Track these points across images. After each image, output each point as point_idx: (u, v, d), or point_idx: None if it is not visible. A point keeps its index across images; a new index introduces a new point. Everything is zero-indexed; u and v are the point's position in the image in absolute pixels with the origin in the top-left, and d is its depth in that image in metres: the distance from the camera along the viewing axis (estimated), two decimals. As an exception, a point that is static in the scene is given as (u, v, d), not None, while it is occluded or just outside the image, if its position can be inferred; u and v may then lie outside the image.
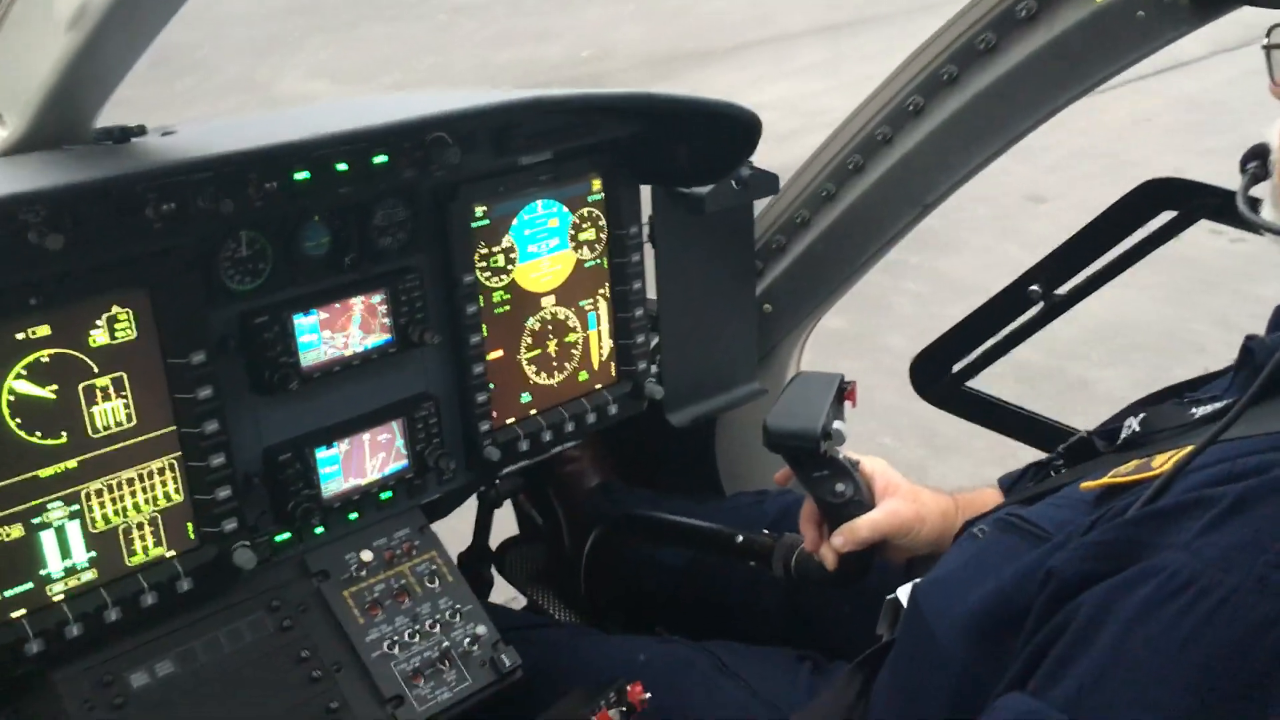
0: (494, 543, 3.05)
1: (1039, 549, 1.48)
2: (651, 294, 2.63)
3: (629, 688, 2.02)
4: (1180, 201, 2.40)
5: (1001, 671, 1.36)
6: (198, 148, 1.88)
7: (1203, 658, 1.14)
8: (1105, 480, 1.45)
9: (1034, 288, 2.56)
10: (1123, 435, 1.64)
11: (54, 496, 1.85)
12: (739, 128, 2.40)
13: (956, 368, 2.75)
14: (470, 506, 2.91)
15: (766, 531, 2.38)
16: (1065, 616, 1.27)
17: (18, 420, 1.79)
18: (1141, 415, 1.63)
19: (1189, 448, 1.35)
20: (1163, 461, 1.37)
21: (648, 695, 2.03)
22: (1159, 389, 1.80)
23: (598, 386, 2.60)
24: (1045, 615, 1.32)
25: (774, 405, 2.08)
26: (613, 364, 2.62)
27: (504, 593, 3.32)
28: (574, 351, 2.53)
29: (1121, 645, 1.19)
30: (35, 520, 1.83)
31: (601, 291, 2.55)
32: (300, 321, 2.07)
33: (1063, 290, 2.56)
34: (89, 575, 1.90)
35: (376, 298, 2.16)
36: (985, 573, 1.54)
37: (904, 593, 1.82)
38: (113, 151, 1.85)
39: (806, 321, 2.91)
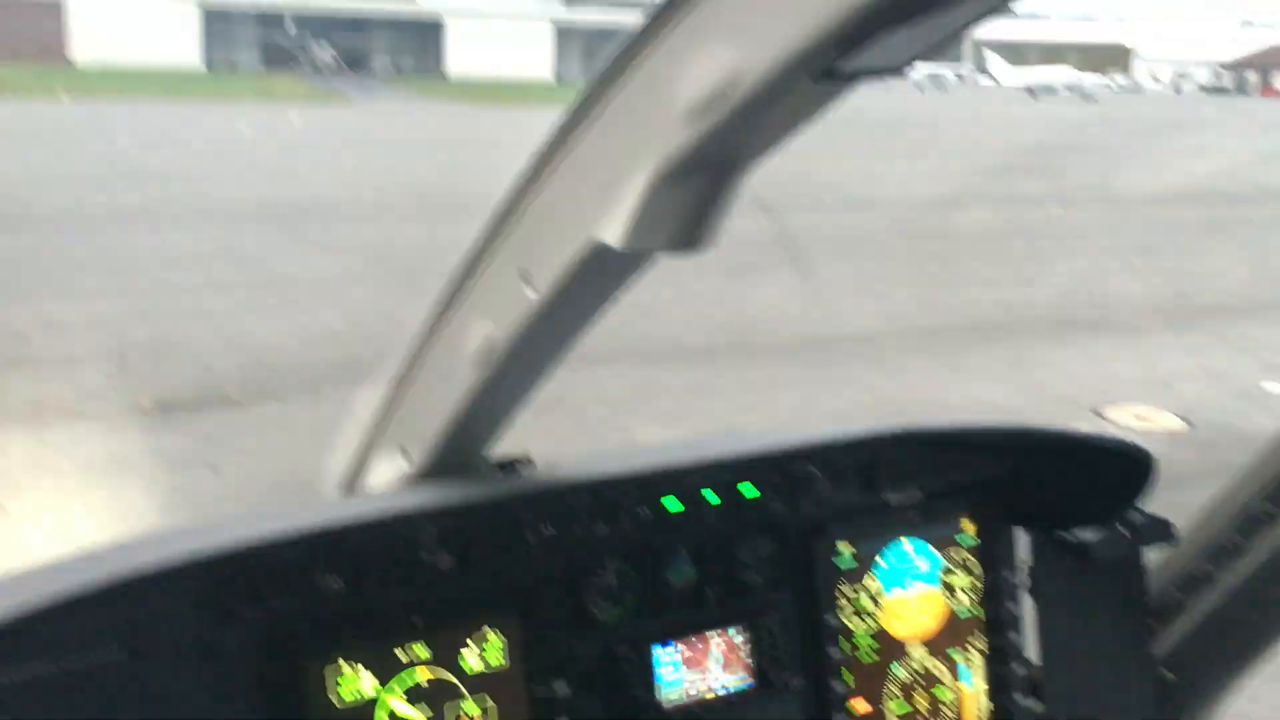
0: None
1: None
2: (1032, 652, 2.40)
3: None
4: None
5: None
6: (578, 474, 1.98)
7: None
8: None
9: None
10: None
11: None
12: (1128, 466, 2.24)
13: None
14: None
15: None
16: None
17: None
18: None
19: None
20: None
21: None
22: None
23: (971, 750, 2.36)
24: None
25: None
26: (988, 725, 2.38)
27: None
28: (945, 710, 2.33)
29: None
30: None
31: (975, 643, 2.36)
32: (660, 653, 2.04)
33: None
34: None
35: (738, 636, 2.11)
36: None
37: None
38: (502, 478, 1.97)
39: (1218, 696, 2.55)
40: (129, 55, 58.35)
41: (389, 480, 1.98)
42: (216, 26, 68.79)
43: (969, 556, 2.36)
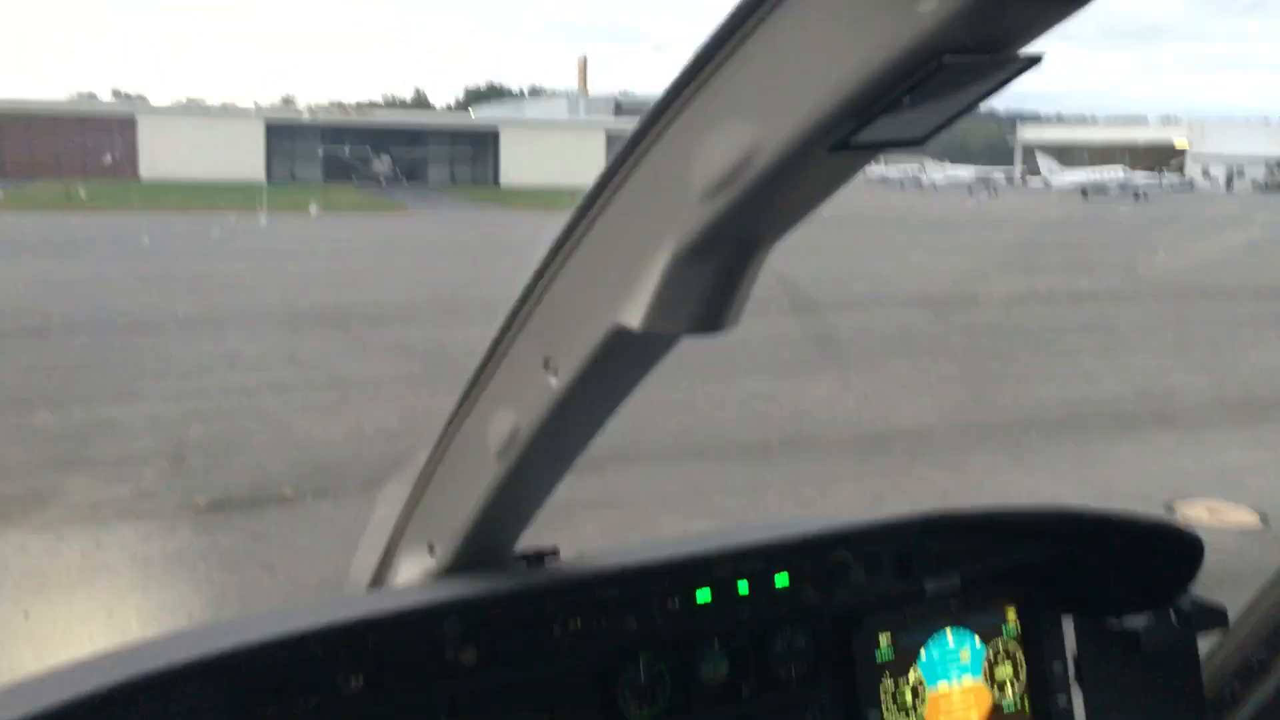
0: None
1: None
2: None
3: None
4: None
5: None
6: (606, 565, 1.96)
7: None
8: None
9: None
10: None
11: None
12: (1177, 551, 2.18)
13: None
14: None
15: None
16: None
17: None
18: None
19: None
20: None
21: None
22: None
23: None
24: None
25: None
26: (1041, 825, 2.28)
27: None
28: (995, 809, 2.24)
29: None
30: None
31: None
32: None
33: None
34: None
35: None
36: None
37: None
38: (528, 572, 1.93)
39: (1278, 788, 2.45)
40: (194, 169, 60.19)
41: (415, 577, 1.96)
42: (279, 141, 70.90)
43: (1014, 646, 2.28)
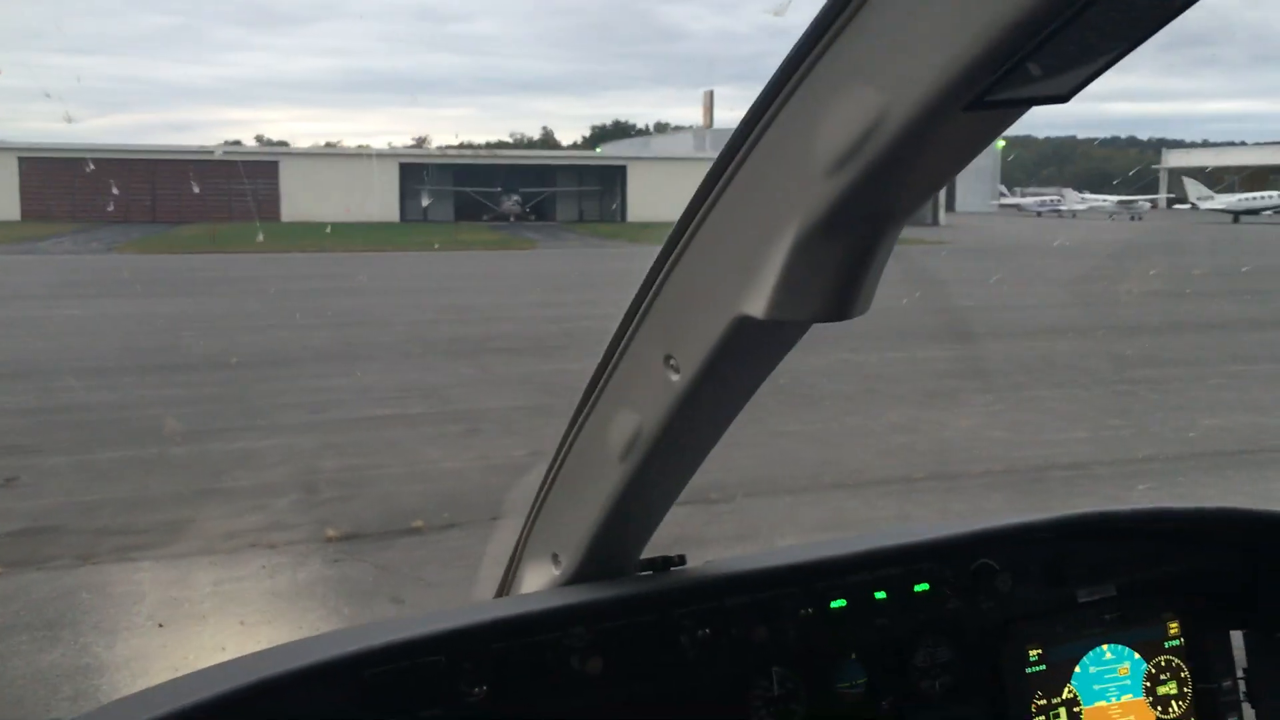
0: None
1: None
2: None
3: None
4: None
5: None
6: (735, 572, 1.84)
7: None
8: None
9: None
10: None
11: None
12: None
13: None
14: None
15: None
16: None
17: None
18: None
19: None
20: None
21: None
22: None
23: None
24: None
25: None
26: None
27: None
28: (1160, 841, 1.93)
29: None
30: None
31: None
32: None
33: None
34: None
35: None
36: None
37: None
38: (654, 580, 1.83)
39: None
40: (332, 210, 62.02)
41: (540, 588, 1.88)
42: (412, 181, 72.98)
43: (1177, 661, 2.03)
